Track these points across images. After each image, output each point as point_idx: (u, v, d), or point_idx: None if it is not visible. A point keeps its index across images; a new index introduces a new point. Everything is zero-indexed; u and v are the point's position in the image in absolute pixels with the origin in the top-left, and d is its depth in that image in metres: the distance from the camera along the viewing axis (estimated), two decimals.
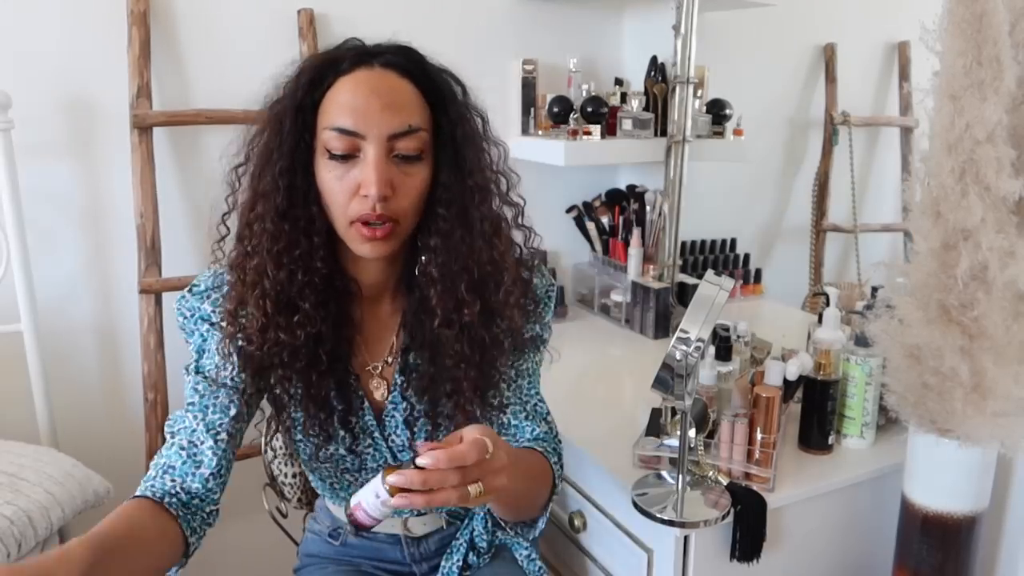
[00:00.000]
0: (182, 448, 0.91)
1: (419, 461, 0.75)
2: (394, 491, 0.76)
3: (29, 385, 1.48)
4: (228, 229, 0.95)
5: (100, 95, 1.54)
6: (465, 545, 1.10)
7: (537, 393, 1.05)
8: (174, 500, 0.88)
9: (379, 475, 0.78)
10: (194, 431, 0.92)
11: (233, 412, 0.94)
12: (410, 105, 0.87)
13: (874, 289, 1.52)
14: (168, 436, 0.94)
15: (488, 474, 0.77)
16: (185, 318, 0.96)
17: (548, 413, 1.06)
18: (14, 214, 1.41)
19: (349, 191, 0.86)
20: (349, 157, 0.86)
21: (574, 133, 1.78)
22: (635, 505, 1.06)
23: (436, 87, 0.90)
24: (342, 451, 1.00)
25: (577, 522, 1.27)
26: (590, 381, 1.56)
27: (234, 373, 0.93)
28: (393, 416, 1.00)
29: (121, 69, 1.52)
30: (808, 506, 1.15)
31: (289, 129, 0.87)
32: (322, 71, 0.88)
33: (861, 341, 1.20)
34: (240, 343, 0.91)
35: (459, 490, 0.75)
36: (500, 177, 0.95)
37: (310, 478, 1.11)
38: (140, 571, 0.81)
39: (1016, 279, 0.93)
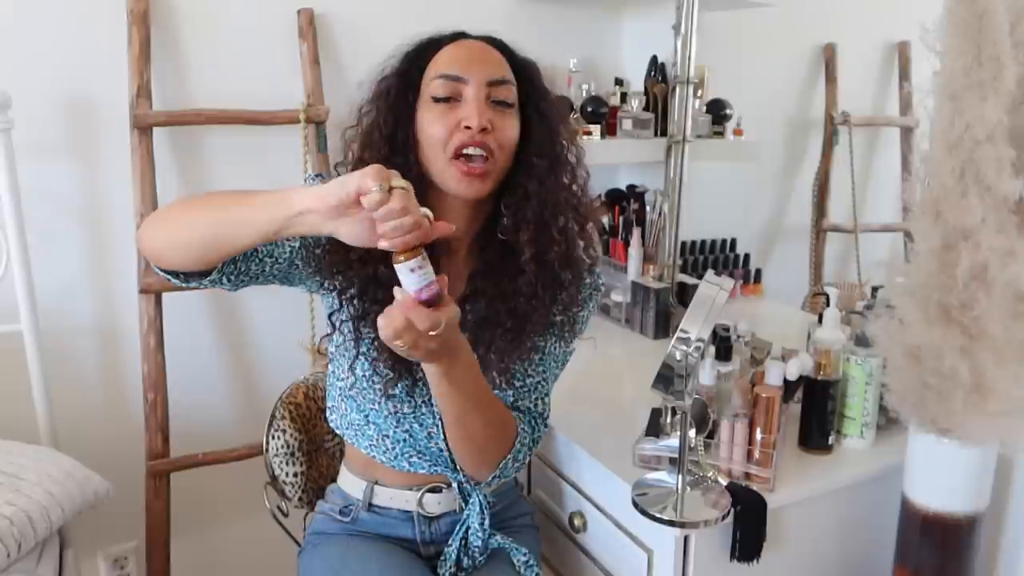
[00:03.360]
0: None
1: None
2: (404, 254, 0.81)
3: (29, 385, 1.48)
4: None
5: (100, 95, 1.54)
6: (457, 551, 1.12)
7: (545, 382, 1.12)
8: None
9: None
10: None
11: (289, 254, 1.01)
12: (503, 64, 1.03)
13: (874, 289, 1.53)
14: None
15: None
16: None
17: (542, 405, 1.12)
18: (14, 214, 1.41)
19: (451, 127, 0.98)
20: (452, 100, 0.99)
21: None
22: (635, 505, 1.06)
23: (522, 65, 1.06)
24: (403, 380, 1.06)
25: (577, 522, 1.27)
26: (590, 381, 1.56)
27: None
28: None
29: (121, 69, 1.52)
30: (808, 506, 1.15)
31: (394, 92, 1.02)
32: (424, 46, 1.04)
33: (861, 341, 1.20)
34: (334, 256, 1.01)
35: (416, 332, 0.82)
36: (575, 148, 1.09)
37: (341, 414, 1.14)
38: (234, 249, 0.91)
39: (1016, 279, 0.93)
